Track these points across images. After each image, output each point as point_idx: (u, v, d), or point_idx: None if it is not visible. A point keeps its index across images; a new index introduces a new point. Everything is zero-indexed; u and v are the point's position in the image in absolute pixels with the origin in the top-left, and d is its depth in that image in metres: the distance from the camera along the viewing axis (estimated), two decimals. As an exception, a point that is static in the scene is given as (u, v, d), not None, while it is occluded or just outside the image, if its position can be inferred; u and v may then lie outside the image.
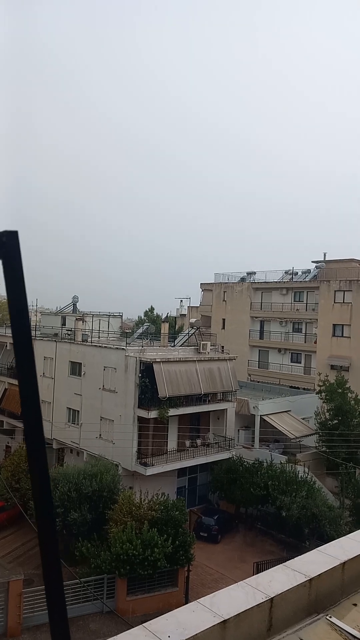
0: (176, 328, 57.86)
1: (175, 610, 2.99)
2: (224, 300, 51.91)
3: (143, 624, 2.85)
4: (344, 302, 42.20)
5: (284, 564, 3.45)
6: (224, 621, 2.81)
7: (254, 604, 2.97)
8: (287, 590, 3.14)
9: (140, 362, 28.96)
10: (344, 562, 3.54)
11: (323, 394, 32.99)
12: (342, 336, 42.02)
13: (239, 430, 34.98)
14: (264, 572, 3.33)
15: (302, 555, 3.59)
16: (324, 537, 26.40)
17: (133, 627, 2.90)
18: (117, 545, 21.07)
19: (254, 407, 33.84)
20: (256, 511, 30.74)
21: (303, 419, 35.13)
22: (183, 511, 23.74)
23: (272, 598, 3.03)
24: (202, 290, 56.04)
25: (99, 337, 36.40)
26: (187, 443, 31.20)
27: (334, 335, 42.57)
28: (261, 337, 48.66)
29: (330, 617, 3.20)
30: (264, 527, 29.86)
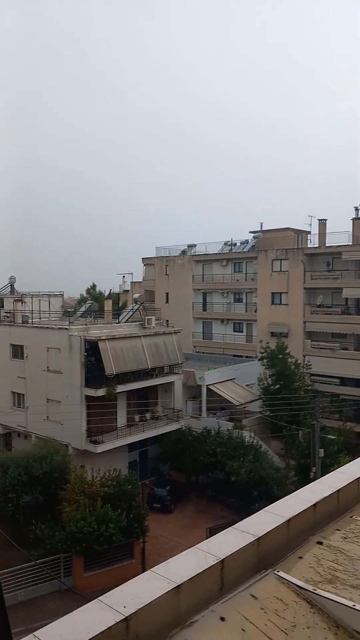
0: (120, 304, 57.51)
1: (130, 580, 3.05)
2: (166, 274, 51.92)
3: (99, 598, 2.89)
4: (281, 270, 43.30)
5: (232, 526, 3.60)
6: (178, 586, 2.91)
7: (206, 567, 3.08)
8: (237, 550, 3.28)
9: (85, 341, 28.63)
10: (289, 519, 3.74)
11: (265, 360, 34.01)
12: (281, 304, 43.26)
13: (186, 401, 35.57)
14: (214, 536, 3.46)
15: (250, 517, 3.75)
16: (272, 498, 27.59)
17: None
18: (71, 524, 21.12)
19: (200, 378, 34.45)
20: (206, 478, 31.60)
21: (247, 385, 36.17)
22: (135, 484, 24.05)
23: (222, 560, 3.16)
24: (144, 265, 55.75)
25: (39, 318, 35.57)
26: (137, 418, 31.42)
27: (272, 303, 43.77)
28: (204, 309, 49.28)
29: (278, 571, 3.39)
30: (215, 494, 30.78)
